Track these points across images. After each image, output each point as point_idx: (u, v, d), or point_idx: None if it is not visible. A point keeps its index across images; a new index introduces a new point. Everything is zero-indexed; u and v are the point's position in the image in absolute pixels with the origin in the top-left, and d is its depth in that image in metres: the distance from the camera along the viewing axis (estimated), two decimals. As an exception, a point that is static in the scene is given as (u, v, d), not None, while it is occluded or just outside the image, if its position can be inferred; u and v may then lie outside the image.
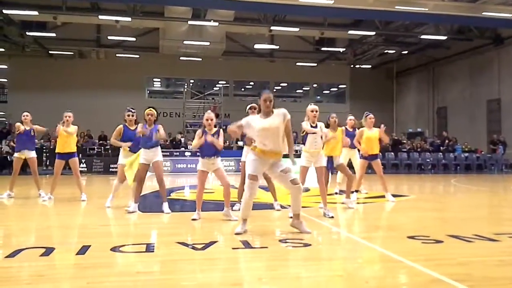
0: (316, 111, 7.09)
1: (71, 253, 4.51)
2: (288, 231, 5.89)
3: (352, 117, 10.62)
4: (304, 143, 7.20)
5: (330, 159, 7.76)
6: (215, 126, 6.81)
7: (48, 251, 4.56)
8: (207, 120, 6.71)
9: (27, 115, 9.62)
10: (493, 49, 25.41)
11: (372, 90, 32.21)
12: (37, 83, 27.30)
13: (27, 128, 9.55)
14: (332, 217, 6.85)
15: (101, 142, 22.87)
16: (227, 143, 22.50)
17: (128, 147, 7.94)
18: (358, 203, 8.58)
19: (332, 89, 35.72)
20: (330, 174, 8.24)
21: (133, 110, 8.26)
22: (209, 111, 7.20)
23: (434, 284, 3.60)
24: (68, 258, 4.38)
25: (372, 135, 9.09)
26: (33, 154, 9.69)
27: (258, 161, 5.49)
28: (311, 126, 7.11)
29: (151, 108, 7.60)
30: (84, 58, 29.09)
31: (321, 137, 7.12)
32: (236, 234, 5.44)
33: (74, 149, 9.24)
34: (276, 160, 5.51)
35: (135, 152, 7.85)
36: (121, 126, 8.10)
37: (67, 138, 9.05)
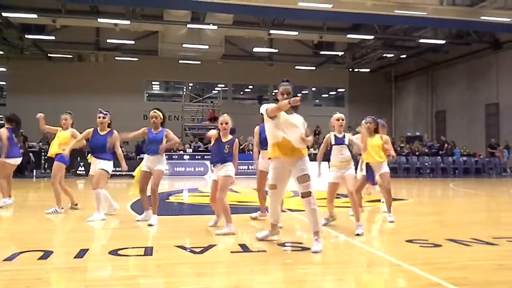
0: (343, 120, 6.45)
1: (69, 256, 4.50)
2: (287, 234, 5.89)
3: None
4: (329, 157, 6.49)
5: (369, 167, 7.20)
6: (230, 133, 6.14)
7: (46, 254, 4.55)
8: (221, 124, 6.00)
9: None
10: (492, 53, 25.49)
11: (370, 94, 32.27)
12: (35, 86, 27.30)
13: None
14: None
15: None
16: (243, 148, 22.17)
17: (92, 154, 7.27)
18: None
19: (330, 93, 35.79)
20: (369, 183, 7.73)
21: (104, 112, 7.34)
22: (225, 114, 6.23)
23: (433, 287, 3.61)
24: (66, 261, 4.37)
25: (372, 142, 8.22)
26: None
27: (277, 170, 5.13)
28: (337, 137, 6.43)
29: (155, 110, 6.98)
30: (83, 61, 29.10)
31: (349, 148, 6.50)
32: (260, 240, 5.37)
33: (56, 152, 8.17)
34: (294, 162, 5.02)
35: (103, 159, 7.18)
36: (91, 129, 7.33)
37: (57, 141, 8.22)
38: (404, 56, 29.67)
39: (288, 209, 8.26)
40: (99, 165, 7.17)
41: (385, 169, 7.19)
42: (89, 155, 7.50)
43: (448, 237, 5.57)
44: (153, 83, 33.13)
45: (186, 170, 20.69)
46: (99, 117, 7.27)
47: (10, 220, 7.48)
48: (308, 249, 4.95)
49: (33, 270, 4.03)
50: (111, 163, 7.29)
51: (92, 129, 7.33)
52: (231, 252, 4.81)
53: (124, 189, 14.12)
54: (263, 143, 6.48)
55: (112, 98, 26.85)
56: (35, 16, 21.46)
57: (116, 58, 28.92)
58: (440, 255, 4.76)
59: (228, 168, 5.97)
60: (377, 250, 4.92)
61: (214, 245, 5.11)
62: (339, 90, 34.51)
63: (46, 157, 20.17)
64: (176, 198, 11.09)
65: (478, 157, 25.04)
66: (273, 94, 33.19)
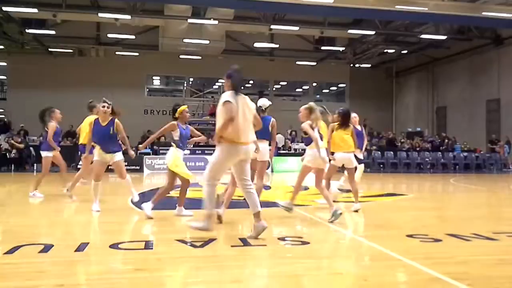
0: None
1: (70, 249, 4.51)
2: (287, 229, 5.89)
3: (355, 114, 10.35)
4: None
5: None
6: None
7: (47, 247, 4.56)
8: None
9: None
10: (493, 49, 25.41)
11: (371, 89, 32.22)
12: (36, 80, 27.23)
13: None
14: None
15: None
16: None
17: (100, 146, 7.19)
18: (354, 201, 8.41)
19: (331, 88, 35.72)
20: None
21: (109, 102, 7.31)
22: None
23: (433, 282, 3.61)
24: (67, 254, 4.37)
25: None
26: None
27: None
28: None
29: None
30: (84, 56, 29.03)
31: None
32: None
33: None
34: None
35: (107, 151, 7.16)
36: (92, 119, 7.43)
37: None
38: (405, 51, 29.57)
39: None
40: (117, 157, 7.33)
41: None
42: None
43: (448, 232, 5.57)
44: (153, 78, 33.06)
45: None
46: (103, 107, 7.21)
47: (10, 214, 7.48)
48: (308, 243, 4.96)
49: (34, 264, 4.04)
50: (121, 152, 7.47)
51: (92, 119, 7.34)
52: (231, 246, 4.81)
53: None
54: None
55: (112, 93, 26.73)
56: (35, 10, 21.39)
57: (116, 52, 28.84)
58: (441, 250, 4.76)
59: None
60: (377, 244, 4.91)
61: (215, 239, 5.11)
62: (340, 85, 34.44)
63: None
64: (176, 192, 11.06)
65: (478, 152, 25.04)
66: (274, 89, 33.22)
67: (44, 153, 9.31)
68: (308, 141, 6.65)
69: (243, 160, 5.12)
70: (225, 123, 4.85)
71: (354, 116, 10.05)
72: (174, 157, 6.76)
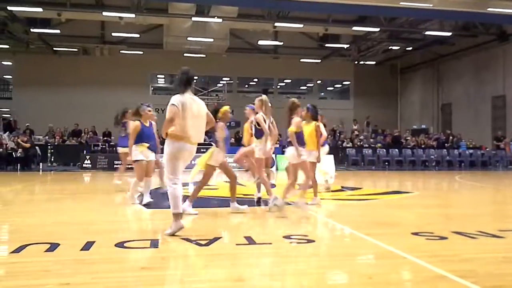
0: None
1: (76, 248, 4.53)
2: (292, 227, 5.89)
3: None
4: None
5: None
6: None
7: (53, 246, 4.58)
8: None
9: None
10: (498, 45, 25.27)
11: (376, 86, 32.13)
12: (41, 79, 27.33)
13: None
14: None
15: (105, 138, 22.90)
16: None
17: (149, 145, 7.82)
18: (360, 199, 8.46)
19: (336, 86, 35.66)
20: None
21: (151, 106, 8.15)
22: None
23: (438, 280, 3.60)
24: (73, 253, 4.39)
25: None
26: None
27: None
28: None
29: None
30: (88, 55, 29.14)
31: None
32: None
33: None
34: None
35: (152, 149, 7.78)
36: (138, 123, 7.82)
37: None
38: (410, 48, 29.46)
39: (293, 202, 8.25)
40: (153, 156, 7.90)
41: (307, 157, 7.47)
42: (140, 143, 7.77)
43: (454, 229, 5.55)
44: (158, 76, 33.15)
45: (191, 163, 20.65)
46: (150, 111, 7.95)
47: (17, 213, 7.52)
48: (313, 241, 4.96)
49: (40, 262, 4.06)
50: None
51: (138, 122, 7.83)
52: (236, 244, 4.82)
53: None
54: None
55: (117, 92, 26.93)
56: (40, 9, 21.49)
57: (121, 51, 28.93)
58: (446, 247, 4.75)
59: None
60: (382, 242, 4.90)
61: (220, 237, 5.12)
62: (344, 83, 34.36)
63: (52, 150, 20.27)
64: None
65: (484, 150, 24.92)
66: (278, 87, 33.19)
67: (120, 149, 9.93)
68: (260, 133, 6.92)
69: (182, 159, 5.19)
70: (166, 123, 5.05)
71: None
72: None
